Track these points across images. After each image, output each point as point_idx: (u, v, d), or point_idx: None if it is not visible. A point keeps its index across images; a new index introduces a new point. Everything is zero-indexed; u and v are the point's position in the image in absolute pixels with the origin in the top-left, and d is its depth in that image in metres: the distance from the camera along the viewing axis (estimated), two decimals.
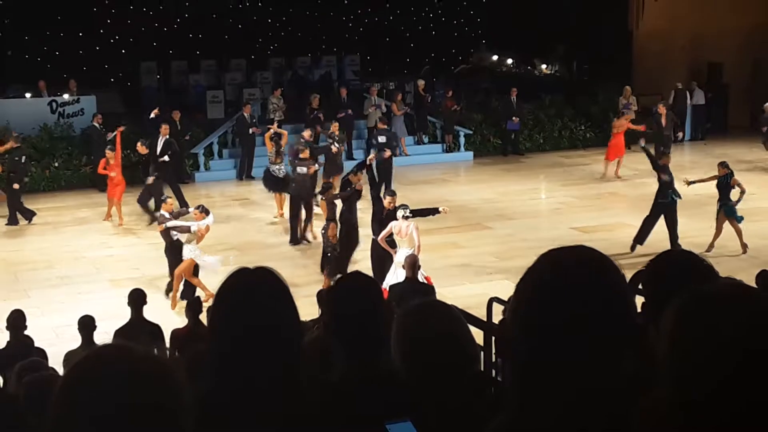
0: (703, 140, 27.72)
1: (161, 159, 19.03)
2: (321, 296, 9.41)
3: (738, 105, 27.72)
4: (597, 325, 1.80)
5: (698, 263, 2.86)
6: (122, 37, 29.44)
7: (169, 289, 13.97)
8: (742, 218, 15.80)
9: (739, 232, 15.68)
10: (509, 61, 36.43)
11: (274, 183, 18.85)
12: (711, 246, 15.59)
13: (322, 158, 18.87)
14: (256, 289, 2.63)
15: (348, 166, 18.35)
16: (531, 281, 1.88)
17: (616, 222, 17.98)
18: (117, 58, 29.20)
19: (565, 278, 1.84)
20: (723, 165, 16.22)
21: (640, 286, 3.14)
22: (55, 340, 11.41)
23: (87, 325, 9.79)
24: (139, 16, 29.44)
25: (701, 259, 2.90)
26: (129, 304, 10.47)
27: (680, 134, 25.95)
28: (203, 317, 10.08)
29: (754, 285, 9.66)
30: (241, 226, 18.65)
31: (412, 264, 11.20)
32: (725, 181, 15.98)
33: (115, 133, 20.67)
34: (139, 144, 19.03)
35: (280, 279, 2.65)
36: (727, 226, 15.77)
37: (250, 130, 22.82)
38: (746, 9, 28.76)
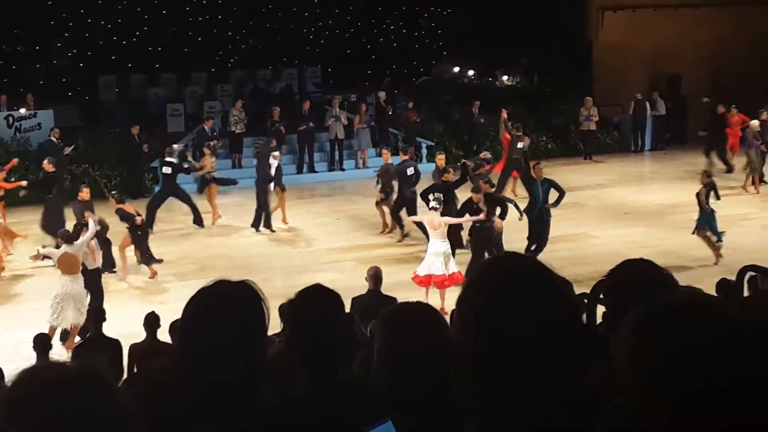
0: (663, 150, 28.00)
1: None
2: (283, 310, 9.34)
3: (696, 116, 27.99)
4: (546, 334, 1.79)
5: (657, 272, 2.85)
6: (80, 50, 29.17)
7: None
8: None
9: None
10: (470, 72, 36.57)
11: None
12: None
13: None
14: (228, 303, 2.58)
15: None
16: (473, 294, 1.87)
17: (581, 233, 18.06)
18: (75, 72, 28.91)
19: (501, 289, 1.83)
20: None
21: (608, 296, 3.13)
22: (14, 356, 11.22)
23: (41, 342, 9.66)
24: (97, 29, 29.21)
25: (660, 268, 2.88)
26: (89, 321, 10.37)
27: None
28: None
29: (715, 293, 9.72)
30: (203, 239, 18.53)
31: (375, 276, 11.16)
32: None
33: (71, 147, 20.56)
34: (45, 162, 18.34)
35: (256, 292, 2.60)
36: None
37: (211, 143, 22.70)
38: (705, 23, 29.14)
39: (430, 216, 14.22)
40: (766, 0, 28.97)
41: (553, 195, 15.91)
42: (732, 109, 24.23)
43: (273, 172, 19.07)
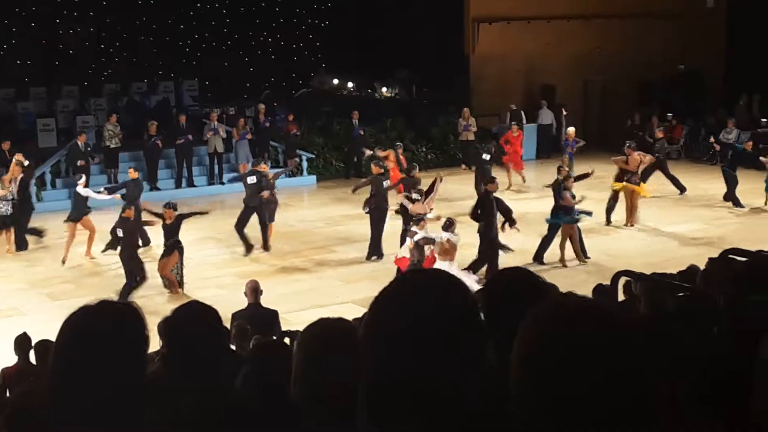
0: (541, 159, 28.78)
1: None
2: (160, 327, 9.16)
3: (570, 124, 28.80)
4: (448, 342, 1.83)
5: (533, 280, 2.87)
6: None
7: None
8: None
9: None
10: (350, 84, 36.71)
11: None
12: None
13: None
14: (108, 323, 2.49)
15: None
16: (386, 302, 1.91)
17: (463, 242, 18.22)
18: None
19: (417, 300, 1.87)
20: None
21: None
22: None
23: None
24: None
25: (536, 276, 2.92)
26: None
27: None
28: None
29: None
30: (77, 258, 17.96)
31: (254, 289, 11.07)
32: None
33: None
34: None
35: (139, 314, 2.52)
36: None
37: (78, 162, 22.00)
38: (573, 36, 30.02)
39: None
40: (633, 13, 30.04)
41: None
42: (513, 126, 25.07)
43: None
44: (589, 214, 16.99)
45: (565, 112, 28.83)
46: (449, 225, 14.51)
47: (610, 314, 1.79)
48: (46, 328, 9.68)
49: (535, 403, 1.73)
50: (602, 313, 1.79)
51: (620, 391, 1.69)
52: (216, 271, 16.86)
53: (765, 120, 26.11)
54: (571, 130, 23.75)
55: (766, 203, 20.99)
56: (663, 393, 2.15)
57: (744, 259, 7.23)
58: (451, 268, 13.84)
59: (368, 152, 23.87)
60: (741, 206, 21.05)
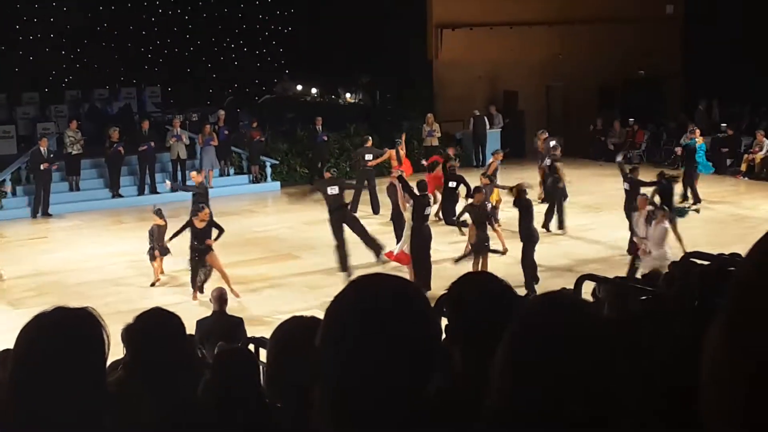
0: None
1: None
2: (123, 334, 9.07)
3: (533, 130, 28.96)
4: (402, 349, 1.81)
5: (498, 285, 2.89)
6: None
7: None
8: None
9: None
10: (313, 90, 36.68)
11: None
12: None
13: None
14: (65, 331, 2.45)
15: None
16: (340, 307, 1.89)
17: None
18: None
19: (370, 305, 1.85)
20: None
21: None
22: None
23: None
24: None
25: (500, 280, 2.93)
26: None
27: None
28: None
29: None
30: (38, 263, 17.77)
31: (219, 297, 11.01)
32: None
33: None
34: None
35: (96, 319, 2.49)
36: None
37: (41, 166, 21.88)
38: (535, 42, 30.20)
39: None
40: (594, 19, 30.30)
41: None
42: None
43: None
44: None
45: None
46: (650, 215, 14.92)
47: (595, 311, 1.82)
48: (8, 337, 9.57)
49: (518, 400, 1.73)
50: (591, 309, 1.82)
51: (603, 386, 1.71)
52: (181, 278, 16.73)
53: (725, 125, 26.39)
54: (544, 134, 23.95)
55: None
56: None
57: (706, 262, 7.30)
58: (661, 252, 14.07)
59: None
60: (697, 211, 21.29)
